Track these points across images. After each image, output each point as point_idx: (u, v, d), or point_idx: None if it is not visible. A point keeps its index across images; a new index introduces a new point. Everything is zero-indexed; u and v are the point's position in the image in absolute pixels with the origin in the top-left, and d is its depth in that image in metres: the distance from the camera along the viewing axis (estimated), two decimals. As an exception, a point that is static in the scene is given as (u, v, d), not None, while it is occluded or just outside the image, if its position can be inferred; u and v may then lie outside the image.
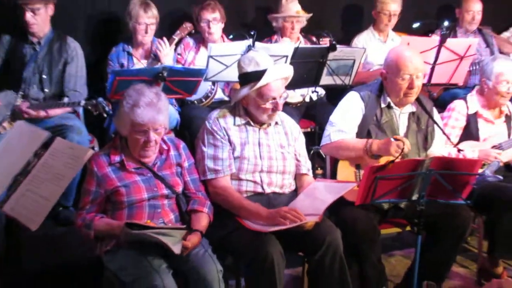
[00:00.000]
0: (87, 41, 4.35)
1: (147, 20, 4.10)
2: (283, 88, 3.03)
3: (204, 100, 4.29)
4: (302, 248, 2.97)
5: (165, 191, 2.82)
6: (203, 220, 2.83)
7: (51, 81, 3.85)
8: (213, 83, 4.19)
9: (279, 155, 3.07)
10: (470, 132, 3.70)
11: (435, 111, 3.50)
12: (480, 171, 3.42)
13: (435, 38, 4.17)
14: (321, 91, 4.49)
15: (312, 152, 3.47)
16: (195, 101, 4.27)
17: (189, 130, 4.03)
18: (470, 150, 3.57)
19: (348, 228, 3.02)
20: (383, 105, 3.33)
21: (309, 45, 4.56)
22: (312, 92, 4.51)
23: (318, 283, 2.93)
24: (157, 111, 2.72)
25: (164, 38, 4.11)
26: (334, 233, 2.89)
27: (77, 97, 3.85)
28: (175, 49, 4.31)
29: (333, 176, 3.38)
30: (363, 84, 3.66)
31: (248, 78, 2.98)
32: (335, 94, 4.11)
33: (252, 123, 3.06)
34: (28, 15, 3.74)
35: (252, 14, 5.00)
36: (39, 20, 3.80)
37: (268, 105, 2.98)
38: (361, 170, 3.25)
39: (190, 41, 4.42)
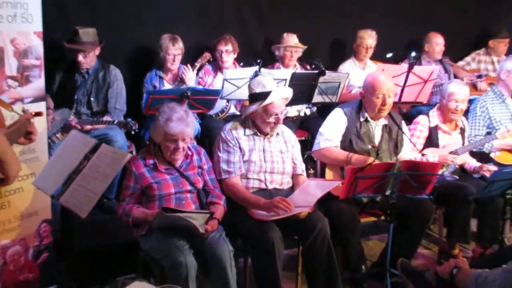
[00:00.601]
0: (127, 68, 4.34)
1: (174, 51, 4.09)
2: (284, 106, 3.03)
3: (220, 114, 4.28)
4: (297, 233, 2.96)
5: (189, 187, 2.83)
6: (220, 210, 2.83)
7: (98, 102, 3.86)
8: (228, 100, 4.18)
9: (280, 159, 3.07)
10: (431, 141, 3.67)
11: (403, 123, 3.49)
12: (440, 172, 3.40)
13: (404, 66, 4.15)
14: (313, 108, 4.49)
15: (306, 156, 3.45)
16: (213, 115, 4.26)
17: (208, 138, 4.02)
18: (432, 155, 3.54)
19: (334, 217, 3.02)
20: (362, 119, 3.31)
21: (303, 71, 4.55)
22: (306, 108, 4.51)
23: (310, 262, 2.92)
24: (186, 125, 2.74)
25: (188, 65, 4.12)
26: (323, 221, 2.89)
27: (117, 113, 3.87)
28: (197, 74, 4.31)
29: (322, 175, 3.37)
30: (347, 102, 3.65)
31: (256, 97, 2.98)
32: (324, 110, 4.09)
33: (258, 134, 3.06)
34: (80, 57, 3.75)
35: (259, 46, 4.99)
36: (89, 60, 3.80)
37: (272, 119, 2.98)
38: (345, 171, 3.23)
39: (209, 67, 4.42)
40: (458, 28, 5.66)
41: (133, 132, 3.59)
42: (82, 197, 2.36)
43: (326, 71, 3.93)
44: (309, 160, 3.71)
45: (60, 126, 3.59)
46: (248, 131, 3.04)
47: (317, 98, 4.04)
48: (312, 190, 2.95)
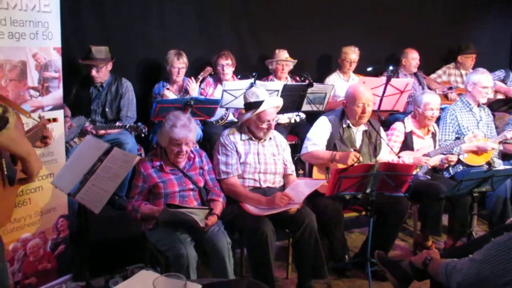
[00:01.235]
0: (137, 80, 4.35)
1: (179, 65, 4.09)
2: (275, 114, 3.04)
3: (220, 121, 4.27)
4: (288, 227, 2.96)
5: (191, 186, 2.82)
6: (219, 207, 2.82)
7: (112, 111, 3.85)
8: (226, 109, 4.18)
9: (272, 161, 3.06)
10: (407, 145, 3.66)
11: (382, 129, 3.50)
12: (414, 172, 3.41)
13: (383, 78, 4.15)
14: (302, 115, 4.49)
15: (295, 158, 3.45)
16: (214, 122, 4.25)
17: (209, 142, 4.01)
18: (407, 157, 3.54)
19: (320, 212, 3.01)
20: (344, 125, 3.32)
21: (294, 83, 4.55)
22: (296, 115, 4.50)
23: (299, 252, 2.92)
24: (189, 131, 2.73)
25: (192, 78, 4.11)
26: (311, 216, 2.89)
27: (128, 120, 3.86)
28: (200, 85, 4.31)
29: (310, 175, 3.37)
30: (333, 110, 3.65)
31: (251, 106, 2.98)
32: (312, 117, 4.09)
33: (253, 138, 3.05)
34: (94, 72, 3.74)
35: (254, 60, 4.99)
36: (102, 75, 3.79)
37: (264, 125, 2.98)
38: (330, 172, 3.23)
39: (210, 79, 4.42)
40: (431, 44, 5.67)
41: (143, 135, 3.59)
42: (96, 195, 2.36)
43: (314, 83, 3.93)
44: (298, 162, 3.71)
45: (77, 132, 3.58)
46: (244, 136, 3.04)
47: (305, 107, 4.04)
48: (301, 188, 2.95)
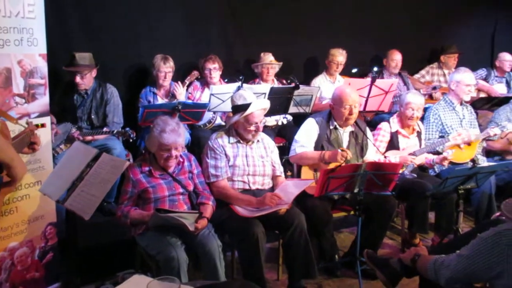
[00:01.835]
0: (124, 85, 4.32)
1: (166, 69, 4.07)
2: (262, 116, 3.05)
3: (207, 124, 4.27)
4: (277, 228, 2.96)
5: (181, 190, 2.81)
6: (209, 210, 2.82)
7: (98, 118, 3.81)
8: (214, 112, 4.17)
9: (260, 163, 3.07)
10: (393, 144, 3.70)
11: (368, 130, 3.53)
12: (400, 171, 3.44)
13: (368, 79, 4.19)
14: (289, 117, 4.50)
15: (283, 160, 3.46)
16: (201, 125, 4.24)
17: (198, 146, 4.00)
18: (393, 157, 3.57)
19: (309, 213, 3.03)
20: (331, 127, 3.34)
21: (280, 86, 4.57)
22: (283, 118, 4.51)
23: (289, 253, 2.93)
24: (178, 135, 2.73)
25: (179, 82, 4.10)
26: (300, 217, 2.90)
27: (115, 126, 3.83)
28: (187, 89, 4.30)
29: (298, 176, 3.38)
30: (319, 112, 3.68)
31: (238, 109, 2.99)
32: (299, 119, 4.11)
33: (241, 141, 3.06)
34: (78, 78, 3.69)
35: (241, 64, 5.00)
36: (86, 81, 3.74)
37: (252, 127, 2.99)
38: (318, 172, 3.25)
39: (197, 83, 4.41)
40: (415, 45, 5.76)
41: (131, 140, 3.56)
42: (85, 201, 2.34)
43: (300, 85, 3.95)
44: (286, 164, 3.72)
45: (63, 139, 3.53)
46: (232, 139, 3.05)
47: (292, 109, 4.06)
48: (290, 189, 2.97)
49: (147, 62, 4.25)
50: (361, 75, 5.02)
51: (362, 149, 3.40)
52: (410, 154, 3.64)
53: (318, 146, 3.28)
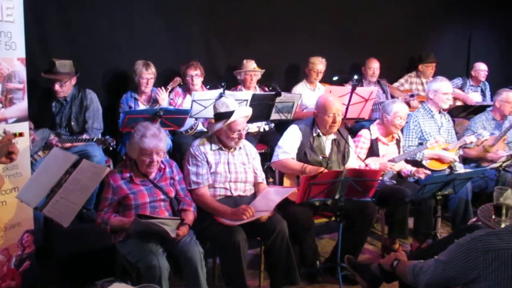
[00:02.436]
0: (104, 90, 4.28)
1: (148, 76, 4.05)
2: (245, 123, 3.06)
3: (189, 131, 4.26)
4: (259, 234, 2.96)
5: (162, 196, 2.79)
6: (190, 216, 2.80)
7: (78, 124, 3.75)
8: (196, 119, 4.16)
9: (242, 170, 3.07)
10: (373, 151, 3.74)
11: (350, 138, 3.57)
12: (380, 178, 3.49)
13: (348, 87, 4.24)
14: (271, 124, 4.53)
15: (265, 166, 3.47)
16: (183, 132, 4.23)
17: (179, 152, 3.98)
18: (373, 163, 3.62)
19: (291, 219, 3.03)
20: (314, 134, 3.37)
21: (262, 92, 4.59)
22: (265, 124, 4.55)
23: (271, 259, 2.93)
24: (159, 140, 2.71)
25: (162, 87, 4.07)
26: (282, 223, 2.90)
27: (94, 132, 3.78)
28: (169, 95, 4.28)
29: (280, 183, 3.40)
30: (300, 119, 3.70)
31: (221, 116, 2.99)
32: (281, 126, 4.14)
33: (223, 148, 3.06)
34: (57, 86, 3.63)
35: (223, 71, 5.01)
36: (65, 89, 3.68)
37: (235, 135, 2.99)
38: (300, 179, 3.26)
39: (179, 90, 4.40)
40: (394, 54, 5.86)
41: (111, 148, 3.52)
42: (64, 208, 2.28)
43: (282, 93, 3.98)
44: (268, 170, 3.74)
45: (41, 145, 3.46)
46: (214, 146, 3.04)
47: (274, 116, 4.08)
48: (272, 196, 2.97)
49: (128, 68, 4.22)
50: (341, 82, 5.08)
51: (344, 157, 3.43)
52: (389, 160, 3.70)
53: (301, 153, 3.30)
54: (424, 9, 6.13)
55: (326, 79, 5.12)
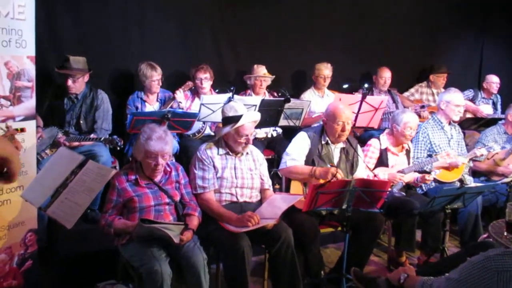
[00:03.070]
0: (113, 91, 4.28)
1: (157, 76, 4.05)
2: (253, 128, 3.03)
3: (197, 134, 4.24)
4: (264, 242, 2.92)
5: (167, 200, 2.76)
6: (194, 221, 2.77)
7: (87, 124, 3.76)
8: (204, 122, 4.15)
9: (249, 175, 3.04)
10: (382, 161, 3.70)
11: (358, 147, 3.53)
12: (389, 189, 3.44)
13: (358, 96, 4.21)
14: (279, 130, 4.50)
15: (272, 173, 3.44)
16: (190, 135, 4.21)
17: (186, 155, 3.96)
18: (382, 174, 3.57)
19: (297, 228, 2.98)
20: (323, 142, 3.33)
21: (271, 98, 4.57)
22: (273, 130, 4.51)
23: (275, 267, 2.89)
24: (165, 143, 2.68)
25: (180, 89, 4.10)
26: (287, 231, 2.86)
27: (103, 133, 3.78)
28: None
29: (287, 190, 3.34)
30: (309, 126, 3.66)
31: (229, 120, 2.96)
32: (289, 132, 4.11)
33: (230, 153, 3.03)
34: (70, 82, 3.64)
35: (232, 75, 5.00)
36: (78, 85, 3.70)
37: (243, 139, 2.96)
38: (307, 187, 3.22)
39: (188, 93, 4.38)
40: (405, 63, 5.83)
41: (118, 148, 3.50)
42: (68, 209, 2.26)
43: (291, 99, 3.95)
44: (275, 177, 3.70)
45: (48, 143, 3.46)
46: (221, 151, 3.01)
47: (282, 122, 4.05)
48: (278, 203, 2.93)
49: (134, 69, 4.21)
50: (351, 91, 5.05)
51: (352, 166, 3.39)
52: (398, 171, 3.65)
53: (309, 160, 3.26)
54: (437, 19, 6.10)
55: (336, 87, 5.09)
